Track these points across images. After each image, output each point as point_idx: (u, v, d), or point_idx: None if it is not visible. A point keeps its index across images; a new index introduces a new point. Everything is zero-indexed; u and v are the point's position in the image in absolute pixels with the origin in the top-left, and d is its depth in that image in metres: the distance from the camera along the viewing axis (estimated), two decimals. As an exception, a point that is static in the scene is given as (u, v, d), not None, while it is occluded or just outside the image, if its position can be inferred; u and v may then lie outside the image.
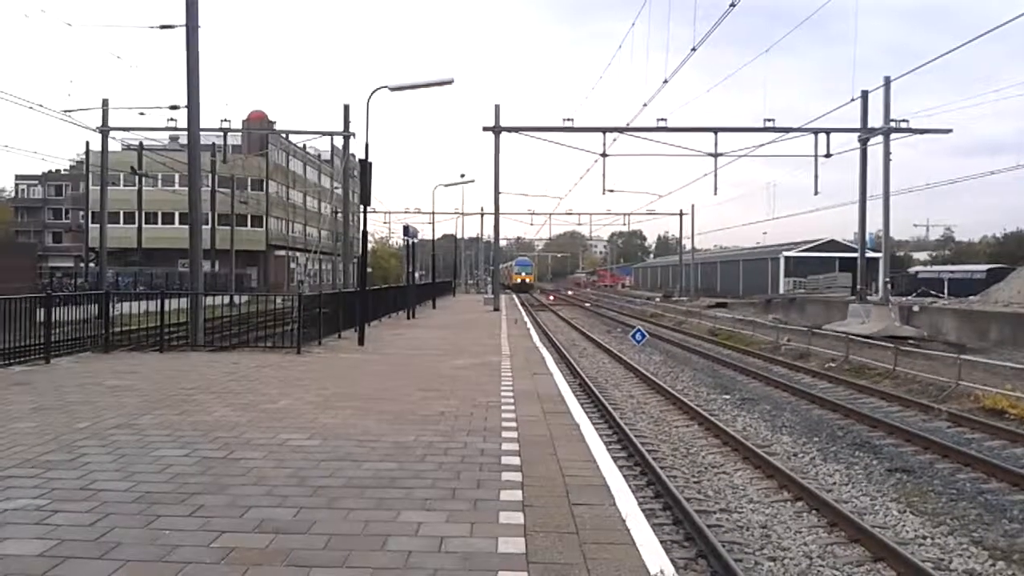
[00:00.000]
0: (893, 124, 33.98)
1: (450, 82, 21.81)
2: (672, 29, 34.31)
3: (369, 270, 43.04)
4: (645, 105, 33.92)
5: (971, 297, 41.27)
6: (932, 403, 17.13)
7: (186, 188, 20.10)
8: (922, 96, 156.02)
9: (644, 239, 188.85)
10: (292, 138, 69.76)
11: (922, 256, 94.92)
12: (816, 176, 36.56)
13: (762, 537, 8.92)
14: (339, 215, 60.59)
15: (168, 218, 64.03)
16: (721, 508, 10.00)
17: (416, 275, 44.32)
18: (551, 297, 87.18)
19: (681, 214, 79.74)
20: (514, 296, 69.21)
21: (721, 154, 36.48)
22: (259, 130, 65.78)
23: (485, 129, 37.96)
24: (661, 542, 5.66)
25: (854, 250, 49.79)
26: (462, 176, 76.82)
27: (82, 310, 16.41)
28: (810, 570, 7.97)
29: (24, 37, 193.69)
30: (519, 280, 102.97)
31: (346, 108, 41.06)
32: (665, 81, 30.17)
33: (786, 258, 71.07)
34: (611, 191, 61.77)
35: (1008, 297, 36.90)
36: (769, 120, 34.94)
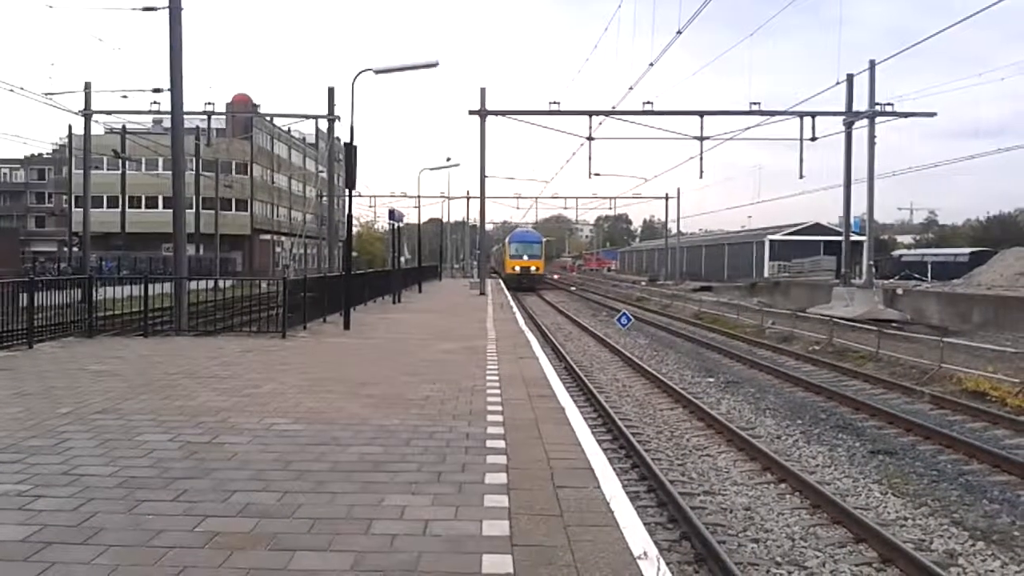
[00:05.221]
0: (878, 107, 34.08)
1: (435, 65, 21.70)
2: (659, 11, 34.28)
3: (354, 254, 42.96)
4: (631, 88, 34.02)
5: (954, 280, 41.59)
6: (915, 385, 17.29)
7: (170, 172, 19.95)
8: (910, 79, 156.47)
9: (630, 223, 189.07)
10: (277, 121, 69.29)
11: (906, 239, 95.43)
12: (801, 160, 36.62)
13: (745, 519, 8.99)
14: (324, 199, 60.32)
15: (152, 202, 63.48)
16: (705, 490, 10.07)
17: (402, 259, 44.22)
18: None
19: (667, 198, 79.97)
20: (501, 283, 56.71)
21: (707, 137, 36.51)
22: (243, 113, 65.28)
23: (471, 112, 37.79)
24: (645, 524, 5.70)
25: (838, 234, 50.05)
26: (448, 160, 76.56)
27: (65, 295, 16.27)
28: (793, 551, 8.05)
29: (4, 19, 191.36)
30: (519, 268, 64.01)
31: (331, 91, 40.76)
32: (651, 64, 30.20)
33: (771, 242, 71.21)
34: (597, 175, 60.57)
35: (990, 280, 37.21)
36: (755, 103, 34.93)
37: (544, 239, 73.15)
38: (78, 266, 41.19)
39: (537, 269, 65.18)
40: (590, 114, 36.74)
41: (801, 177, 37.19)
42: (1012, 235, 67.91)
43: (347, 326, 19.36)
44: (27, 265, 46.59)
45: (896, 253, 68.69)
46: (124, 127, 47.52)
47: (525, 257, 64.76)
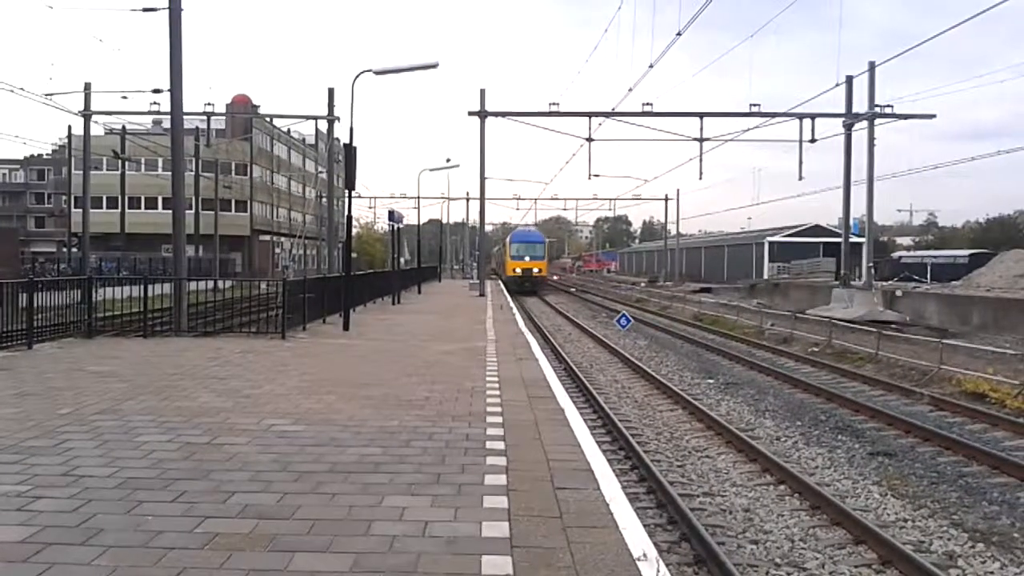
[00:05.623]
0: (878, 109, 34.10)
1: (435, 66, 21.72)
2: (658, 12, 34.30)
3: (354, 255, 42.91)
4: (631, 90, 34.10)
5: (953, 282, 41.59)
6: (914, 387, 17.28)
7: (169, 172, 19.95)
8: (910, 81, 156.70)
9: (629, 224, 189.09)
10: (276, 122, 69.31)
11: (905, 241, 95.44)
12: (801, 161, 36.68)
13: (745, 520, 8.98)
14: (324, 200, 60.33)
15: (151, 203, 63.48)
16: (704, 492, 10.06)
17: (401, 260, 44.25)
18: None
19: (666, 199, 80.00)
20: (501, 284, 57.33)
21: (706, 139, 36.57)
22: (243, 114, 65.27)
23: (471, 114, 37.82)
24: (644, 526, 5.70)
25: (838, 235, 50.07)
26: (448, 161, 76.53)
27: (65, 295, 16.27)
28: (792, 553, 8.04)
29: (4, 19, 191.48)
30: (520, 270, 60.13)
31: (330, 92, 40.81)
32: (651, 66, 30.11)
33: (770, 243, 71.25)
34: (597, 176, 59.27)
35: (990, 282, 37.20)
36: (755, 105, 34.96)
37: (547, 240, 69.24)
38: (78, 267, 41.18)
39: (540, 271, 61.42)
40: (590, 115, 36.79)
41: (801, 179, 37.29)
42: (1012, 237, 68.05)
43: (346, 327, 19.36)
44: (27, 266, 46.52)
45: (895, 255, 68.76)
46: (124, 128, 47.53)
47: (527, 258, 60.74)
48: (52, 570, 4.37)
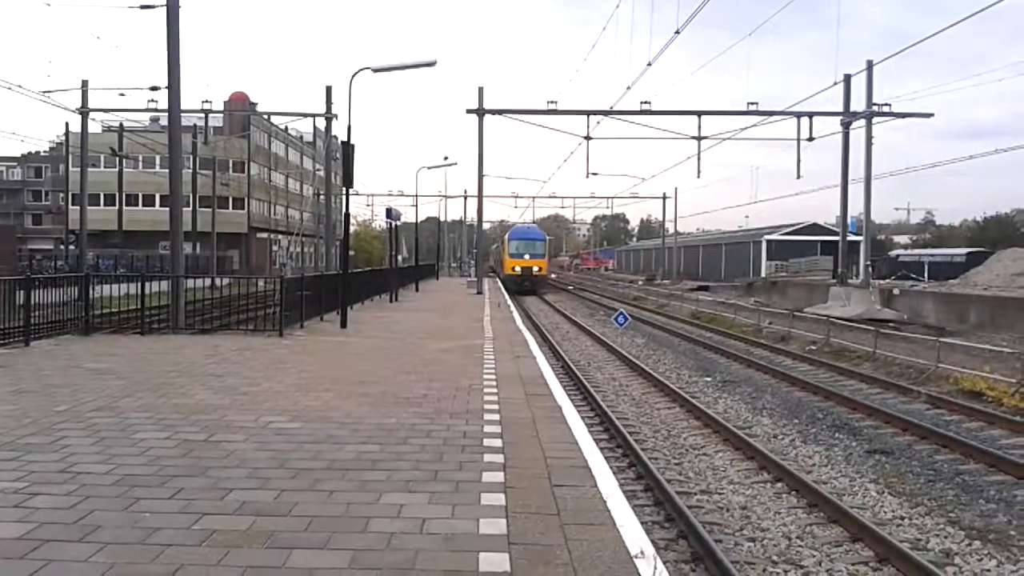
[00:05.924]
0: (875, 108, 34.10)
1: (433, 64, 21.70)
2: (657, 11, 34.27)
3: (352, 253, 42.89)
4: (629, 88, 34.24)
5: (951, 280, 41.59)
6: (911, 385, 17.29)
7: (167, 170, 19.94)
8: (908, 80, 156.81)
9: (627, 222, 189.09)
10: (274, 119, 69.33)
11: (903, 239, 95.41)
12: (799, 160, 36.69)
13: (742, 518, 8.99)
14: (321, 197, 60.28)
15: (149, 200, 63.37)
16: (702, 489, 10.07)
17: (399, 258, 44.25)
18: None
19: (664, 197, 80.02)
20: (499, 283, 56.52)
21: (704, 137, 36.54)
22: (241, 111, 65.18)
23: (469, 111, 37.85)
24: (642, 523, 5.69)
25: (836, 234, 50.06)
26: (445, 158, 76.65)
27: (62, 293, 16.25)
28: (789, 550, 8.05)
29: (2, 16, 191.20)
30: (519, 268, 57.72)
31: (328, 89, 40.81)
32: (649, 64, 30.16)
33: (768, 241, 71.19)
34: (595, 174, 58.46)
35: (987, 280, 37.22)
36: (753, 103, 34.97)
37: (547, 237, 65.67)
38: (75, 264, 41.15)
39: (540, 269, 58.78)
40: (588, 114, 36.79)
41: (799, 177, 37.31)
42: (1009, 235, 68.01)
43: (344, 325, 19.35)
44: (24, 263, 46.56)
45: (893, 253, 68.64)
46: (121, 125, 47.59)
47: (526, 256, 58.20)
48: (49, 567, 4.36)
